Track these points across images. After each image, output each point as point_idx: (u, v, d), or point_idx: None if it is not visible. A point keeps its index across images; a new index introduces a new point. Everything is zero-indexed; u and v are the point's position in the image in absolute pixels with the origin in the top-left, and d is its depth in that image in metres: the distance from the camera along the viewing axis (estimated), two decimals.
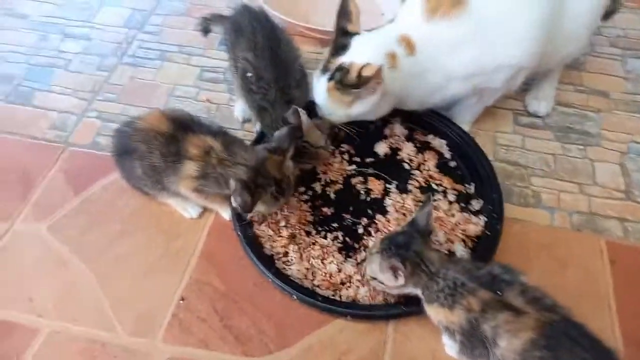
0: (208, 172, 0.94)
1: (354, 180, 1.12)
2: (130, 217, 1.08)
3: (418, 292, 0.83)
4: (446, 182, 1.11)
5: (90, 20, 1.54)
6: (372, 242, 1.01)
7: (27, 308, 0.94)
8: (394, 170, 1.14)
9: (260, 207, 0.95)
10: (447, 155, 1.16)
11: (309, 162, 1.10)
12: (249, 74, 1.08)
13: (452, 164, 1.15)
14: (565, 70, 1.29)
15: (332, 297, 0.93)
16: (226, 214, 1.06)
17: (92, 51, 1.45)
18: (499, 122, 1.25)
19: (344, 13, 1.04)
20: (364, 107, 1.03)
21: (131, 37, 1.49)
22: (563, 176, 1.14)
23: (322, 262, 0.98)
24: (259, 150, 0.96)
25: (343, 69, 1.00)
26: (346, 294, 0.94)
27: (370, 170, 1.14)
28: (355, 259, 0.99)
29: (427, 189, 1.10)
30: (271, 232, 1.02)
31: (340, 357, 0.89)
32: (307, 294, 0.92)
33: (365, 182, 1.12)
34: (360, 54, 1.01)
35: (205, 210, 1.08)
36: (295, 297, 0.92)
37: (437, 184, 1.11)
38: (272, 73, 1.06)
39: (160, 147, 0.96)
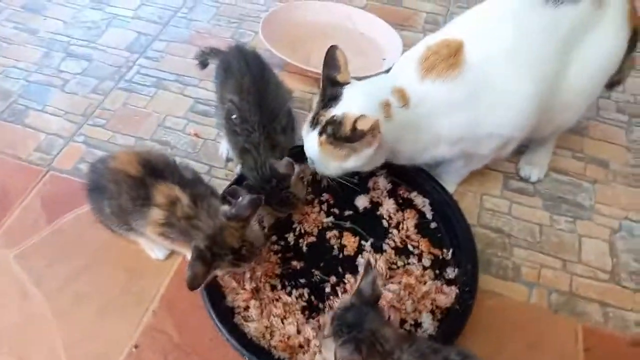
0: (173, 222, 0.92)
1: (329, 234, 1.09)
2: (96, 252, 1.07)
3: None
4: (423, 245, 1.07)
5: (95, 40, 1.55)
6: (337, 304, 0.98)
7: None
8: (371, 226, 1.10)
9: (218, 272, 0.93)
10: (429, 215, 1.12)
11: (288, 212, 1.08)
12: (234, 116, 1.07)
13: (433, 225, 1.11)
14: (565, 134, 1.24)
15: None
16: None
17: (90, 73, 1.45)
18: (488, 184, 1.20)
19: (331, 62, 1.00)
20: (359, 161, 0.98)
21: (132, 61, 1.49)
22: (547, 250, 1.09)
23: (282, 322, 0.95)
24: (220, 215, 0.92)
25: (335, 122, 0.95)
26: (302, 358, 0.91)
27: (347, 225, 1.10)
28: (317, 321, 0.96)
29: (402, 251, 1.06)
30: (234, 284, 0.99)
31: None
32: (260, 357, 0.89)
33: (340, 237, 1.09)
34: (353, 104, 0.96)
35: (172, 253, 1.06)
36: (247, 359, 0.89)
37: (414, 246, 1.07)
38: (258, 116, 1.05)
39: (129, 190, 0.94)
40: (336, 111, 0.96)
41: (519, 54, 0.94)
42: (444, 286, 1.00)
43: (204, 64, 1.37)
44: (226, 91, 1.12)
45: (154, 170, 0.95)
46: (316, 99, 1.02)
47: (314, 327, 0.94)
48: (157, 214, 0.92)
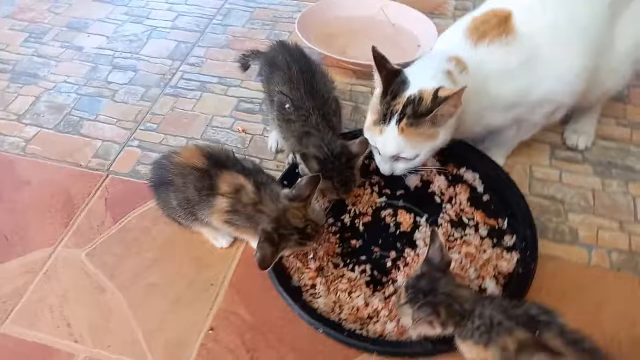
0: (238, 209, 0.97)
1: (383, 213, 1.12)
2: (163, 246, 1.12)
3: (451, 329, 0.82)
4: (478, 216, 1.09)
5: (138, 52, 1.63)
6: (400, 277, 1.00)
7: (65, 333, 0.98)
8: (424, 203, 1.13)
9: (286, 252, 0.97)
10: (480, 189, 1.14)
11: (344, 192, 1.10)
12: (287, 105, 1.11)
13: (485, 197, 1.13)
14: (608, 102, 1.25)
15: (359, 332, 0.93)
16: (255, 244, 1.07)
17: (137, 82, 1.52)
18: (536, 155, 1.22)
19: (381, 58, 1.00)
20: (445, 135, 0.99)
21: (175, 68, 1.56)
22: (602, 213, 1.10)
23: (349, 296, 0.98)
24: (282, 199, 0.96)
25: (414, 101, 0.96)
26: (373, 329, 0.93)
27: (400, 203, 1.13)
28: (383, 293, 0.99)
29: (458, 223, 1.08)
30: (299, 264, 1.03)
31: None
32: (334, 328, 0.92)
33: (394, 215, 1.12)
34: (423, 80, 0.97)
35: (235, 240, 1.10)
36: (321, 331, 0.92)
37: (468, 218, 1.09)
38: (311, 102, 1.10)
39: (194, 181, 0.99)
40: (410, 92, 0.97)
41: (566, 24, 0.97)
42: (504, 253, 1.02)
43: (245, 66, 1.44)
44: (274, 85, 1.17)
45: (217, 161, 1.00)
46: (373, 100, 1.03)
47: (380, 299, 0.97)
48: (222, 202, 0.97)
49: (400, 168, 1.05)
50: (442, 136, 0.99)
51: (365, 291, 0.98)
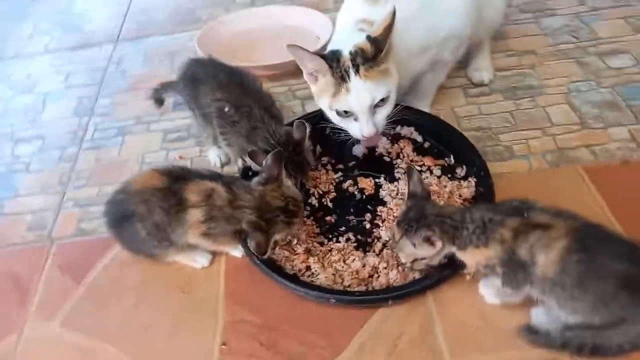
0: (214, 215, 0.95)
1: (344, 185, 1.17)
2: (141, 287, 1.06)
3: (453, 248, 0.87)
4: (428, 161, 1.18)
5: (37, 119, 1.54)
6: (382, 232, 1.05)
7: None
8: (377, 166, 1.20)
9: (279, 236, 0.98)
10: (419, 139, 1.24)
11: (301, 177, 1.12)
12: (227, 109, 1.12)
13: (427, 145, 1.22)
14: (492, 42, 1.43)
15: (368, 290, 0.95)
16: (238, 252, 1.06)
17: (48, 147, 1.44)
18: (453, 99, 1.35)
19: (304, 52, 1.05)
20: (394, 68, 1.06)
21: (85, 123, 1.50)
22: (525, 126, 1.25)
23: (345, 263, 1.00)
24: (254, 187, 0.98)
25: (357, 52, 1.02)
26: (378, 283, 0.96)
27: (356, 172, 1.19)
28: (374, 251, 1.02)
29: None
30: (287, 253, 1.03)
31: (395, 343, 0.90)
32: (344, 294, 0.94)
33: (355, 183, 1.17)
34: (348, 40, 1.04)
35: (215, 256, 1.08)
36: (333, 301, 0.93)
37: (420, 165, 1.18)
38: (248, 98, 1.12)
39: (159, 202, 0.96)
40: (347, 51, 1.03)
41: None
42: (462, 182, 1.11)
43: (159, 101, 1.43)
44: (204, 97, 1.18)
45: (177, 177, 0.99)
46: (320, 86, 1.08)
47: (373, 256, 1.01)
48: (196, 213, 0.95)
49: (380, 120, 1.08)
50: (393, 70, 1.06)
51: (357, 255, 1.01)
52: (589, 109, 1.26)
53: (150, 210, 0.97)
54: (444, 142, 1.20)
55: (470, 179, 1.11)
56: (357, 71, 1.02)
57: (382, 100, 1.05)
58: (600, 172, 1.11)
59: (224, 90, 1.14)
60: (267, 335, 0.94)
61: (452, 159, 1.17)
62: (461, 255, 0.87)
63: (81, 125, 1.49)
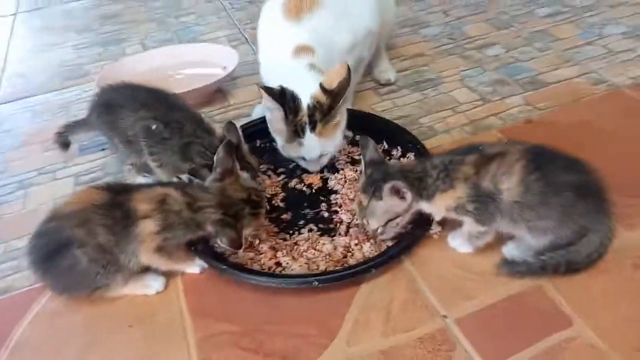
0: (171, 222, 0.87)
1: (291, 184, 1.15)
2: (85, 333, 0.90)
3: (421, 202, 0.89)
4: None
5: None
6: (343, 215, 1.04)
7: None
8: None
9: (247, 231, 0.91)
10: (349, 133, 1.28)
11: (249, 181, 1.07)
12: (154, 127, 1.05)
13: (357, 137, 1.26)
14: (388, 52, 1.57)
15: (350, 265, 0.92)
16: (195, 268, 0.96)
17: None
18: (368, 99, 1.43)
19: (267, 87, 1.07)
20: (344, 114, 1.11)
21: None
22: (437, 109, 1.36)
23: (316, 250, 0.96)
24: (210, 185, 0.92)
25: (314, 106, 1.05)
26: (354, 261, 0.94)
27: (298, 172, 1.18)
28: (340, 234, 1.00)
29: (353, 162, 1.19)
30: (251, 255, 0.96)
31: (388, 310, 0.87)
32: (327, 273, 0.89)
33: (301, 181, 1.15)
34: (303, 85, 1.06)
35: (168, 277, 0.96)
36: (316, 284, 0.87)
37: (359, 155, 1.21)
38: (176, 113, 1.06)
39: (102, 220, 0.85)
40: (305, 103, 1.06)
41: None
42: (402, 159, 1.16)
43: (65, 144, 1.30)
44: (126, 120, 1.10)
45: (119, 189, 0.89)
46: (273, 124, 1.11)
47: (342, 237, 0.99)
48: (148, 225, 0.86)
49: (326, 160, 1.14)
50: (343, 117, 1.11)
51: (325, 240, 0.98)
52: (484, 88, 1.42)
53: (92, 231, 0.85)
54: (374, 132, 1.25)
55: (408, 154, 1.16)
56: (313, 128, 1.06)
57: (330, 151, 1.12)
58: (511, 131, 1.24)
59: (148, 108, 1.08)
60: (249, 339, 0.85)
61: (385, 144, 1.22)
62: (430, 206, 0.89)
63: None
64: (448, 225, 0.99)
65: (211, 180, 0.91)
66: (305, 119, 1.06)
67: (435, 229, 0.99)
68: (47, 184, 1.27)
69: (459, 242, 0.95)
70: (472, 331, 0.82)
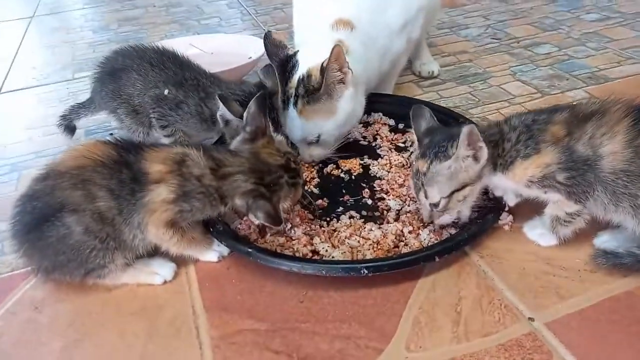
0: (189, 189, 0.70)
1: (327, 170, 0.98)
2: (75, 321, 0.72)
3: (496, 175, 0.71)
4: (412, 136, 1.05)
5: None
6: (391, 201, 0.87)
7: None
8: (355, 149, 1.04)
9: (285, 204, 0.74)
10: (392, 122, 1.12)
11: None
12: (166, 91, 0.91)
13: (400, 125, 1.11)
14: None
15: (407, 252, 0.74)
16: (212, 255, 0.79)
17: None
18: (409, 92, 1.29)
19: (275, 46, 0.98)
20: (347, 107, 0.95)
21: None
22: (489, 101, 1.21)
23: (360, 236, 0.79)
24: (239, 147, 0.76)
25: (304, 79, 0.92)
26: (407, 250, 0.76)
27: (336, 158, 1.01)
28: (388, 221, 0.83)
29: (398, 149, 1.03)
30: (281, 240, 0.79)
31: (457, 310, 0.68)
32: (379, 260, 0.71)
33: (338, 166, 0.99)
34: (310, 59, 0.94)
35: (179, 264, 0.79)
36: (366, 272, 0.69)
37: (403, 142, 1.05)
38: (190, 71, 0.95)
39: (107, 180, 0.69)
40: (299, 73, 0.94)
41: None
42: None
43: (71, 129, 1.16)
44: (130, 87, 0.97)
45: (129, 145, 0.73)
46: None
47: (392, 223, 0.81)
48: (161, 191, 0.70)
49: (316, 154, 0.98)
50: (342, 110, 0.95)
51: (371, 227, 0.81)
52: (540, 82, 1.27)
53: (90, 194, 0.68)
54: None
55: None
56: (295, 103, 0.94)
57: (316, 139, 0.96)
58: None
59: (156, 69, 0.95)
60: (280, 340, 0.66)
61: None
62: (506, 180, 0.72)
63: None
64: (521, 215, 0.81)
65: (239, 141, 0.75)
66: (292, 90, 0.93)
67: (505, 218, 0.81)
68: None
69: (539, 232, 0.77)
70: (570, 338, 0.63)
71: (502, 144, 0.71)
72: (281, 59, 0.97)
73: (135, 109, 0.98)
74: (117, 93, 0.99)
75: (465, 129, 0.68)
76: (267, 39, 0.99)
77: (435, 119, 0.79)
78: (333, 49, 0.88)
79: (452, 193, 0.72)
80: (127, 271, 0.75)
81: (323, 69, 0.90)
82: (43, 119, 1.32)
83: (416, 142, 0.79)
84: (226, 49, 1.50)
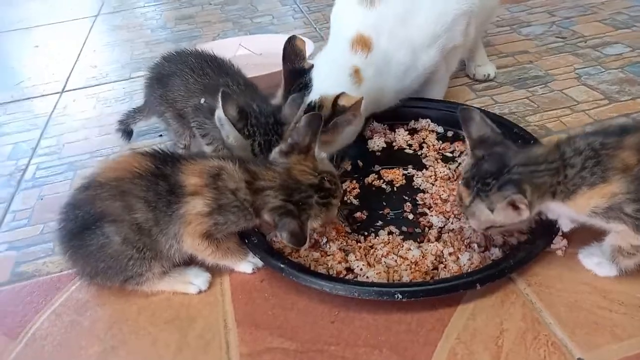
0: (224, 203, 0.70)
1: (368, 180, 0.95)
2: (111, 331, 0.74)
3: (552, 203, 0.66)
4: (459, 145, 1.00)
5: None
6: (433, 218, 0.82)
7: None
8: (399, 158, 1.00)
9: (314, 224, 0.73)
10: (440, 129, 1.07)
11: (262, 161, 0.82)
12: (202, 101, 0.92)
13: (450, 133, 1.05)
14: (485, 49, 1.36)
15: (445, 278, 0.70)
16: (246, 266, 0.78)
17: None
18: (462, 96, 1.22)
19: (292, 53, 0.96)
20: (343, 141, 0.94)
21: (23, 164, 1.21)
22: (549, 108, 1.12)
23: (398, 256, 0.75)
24: (275, 160, 0.75)
25: (315, 107, 0.90)
26: (447, 274, 0.72)
27: (377, 167, 0.98)
28: (429, 239, 0.79)
29: (445, 159, 0.98)
30: (316, 255, 0.77)
31: (498, 344, 0.63)
32: (415, 285, 0.68)
33: (380, 177, 0.95)
34: (325, 84, 0.92)
35: (213, 273, 0.79)
36: (400, 297, 0.66)
37: (451, 152, 1.00)
38: (226, 75, 0.94)
39: (143, 192, 0.69)
40: (311, 97, 0.92)
41: None
42: None
43: (128, 133, 1.20)
44: (175, 91, 0.98)
45: (167, 157, 0.73)
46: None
47: (432, 242, 0.77)
48: (197, 203, 0.70)
49: None
50: (341, 140, 0.94)
51: (409, 246, 0.77)
52: (608, 87, 1.17)
53: (129, 205, 0.69)
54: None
55: None
56: None
57: None
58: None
59: (194, 74, 0.95)
60: (311, 356, 0.65)
61: None
62: (565, 208, 0.66)
63: (19, 166, 1.20)
64: (577, 239, 0.75)
65: (277, 152, 0.74)
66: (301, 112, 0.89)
67: (559, 242, 0.75)
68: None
69: (596, 262, 0.70)
70: None
71: (564, 170, 0.64)
72: (294, 69, 0.94)
73: (180, 114, 0.99)
74: (164, 98, 1.01)
75: (499, 199, 0.63)
76: (290, 42, 0.96)
77: (488, 120, 0.73)
78: (358, 100, 0.86)
79: (490, 227, 0.68)
80: (164, 279, 0.76)
81: (335, 105, 0.87)
82: (99, 118, 1.38)
83: (469, 151, 0.73)
84: (275, 49, 1.48)
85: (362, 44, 0.96)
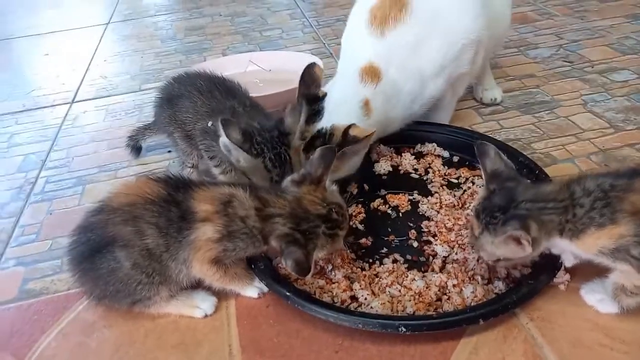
0: (234, 230, 0.71)
1: (374, 205, 0.96)
2: (118, 352, 0.75)
3: (558, 240, 0.67)
4: (464, 172, 1.01)
5: None
6: (438, 247, 0.83)
7: None
8: (405, 182, 1.01)
9: (320, 254, 0.74)
10: (446, 154, 1.08)
11: (278, 174, 0.87)
12: (209, 123, 0.93)
13: (455, 158, 1.06)
14: (492, 71, 1.37)
15: (448, 312, 0.71)
16: (252, 291, 0.79)
17: None
18: (468, 120, 1.23)
19: (310, 79, 0.97)
20: (349, 169, 0.96)
21: (33, 177, 1.22)
22: (555, 135, 1.13)
23: (402, 286, 0.76)
24: (287, 188, 0.76)
25: (325, 134, 0.91)
26: (450, 306, 0.72)
27: (383, 192, 0.99)
28: (433, 269, 0.80)
29: (450, 185, 0.99)
30: (321, 282, 0.78)
31: None
32: (419, 318, 0.69)
33: (385, 202, 0.96)
34: (338, 112, 0.94)
35: (219, 297, 0.80)
36: (403, 330, 0.67)
37: (456, 178, 1.01)
38: (232, 97, 0.96)
39: (155, 218, 0.71)
40: (322, 124, 0.93)
41: None
42: None
43: (137, 149, 1.22)
44: (184, 112, 1.00)
45: (179, 183, 0.74)
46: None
47: (437, 274, 0.78)
48: (207, 230, 0.71)
49: None
50: (343, 171, 0.95)
51: (413, 276, 0.78)
52: (614, 115, 1.17)
53: (140, 231, 0.71)
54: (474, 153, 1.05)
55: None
56: (306, 150, 0.92)
57: None
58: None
59: (203, 97, 0.97)
60: None
61: None
62: (572, 246, 0.67)
63: (28, 179, 1.22)
64: (580, 274, 0.75)
65: (289, 181, 0.75)
66: (309, 135, 0.92)
67: (562, 277, 0.75)
68: (107, 181, 1.17)
69: (599, 298, 0.71)
70: None
71: (573, 209, 0.65)
72: (309, 94, 0.96)
73: (189, 135, 1.00)
74: (172, 119, 1.02)
75: (506, 233, 0.65)
76: (309, 69, 0.98)
77: (503, 156, 0.75)
78: (370, 135, 0.88)
79: (498, 261, 0.69)
80: (171, 302, 0.77)
81: (346, 135, 0.88)
82: (109, 131, 1.39)
83: (484, 183, 0.74)
84: (285, 66, 1.51)
85: (372, 74, 0.98)
